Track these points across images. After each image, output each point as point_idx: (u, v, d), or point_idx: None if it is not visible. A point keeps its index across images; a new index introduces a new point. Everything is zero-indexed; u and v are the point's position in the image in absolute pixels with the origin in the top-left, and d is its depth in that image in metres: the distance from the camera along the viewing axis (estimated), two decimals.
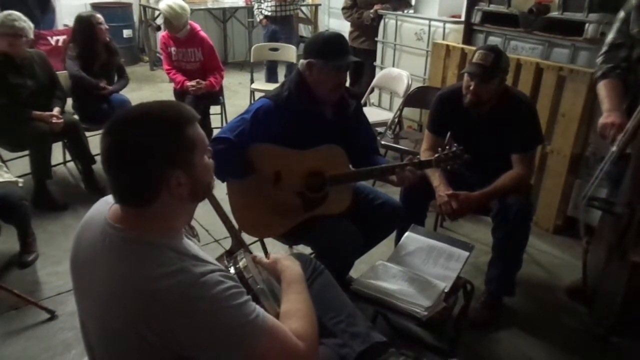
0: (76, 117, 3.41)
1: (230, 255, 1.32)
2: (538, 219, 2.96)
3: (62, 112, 3.18)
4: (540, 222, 2.98)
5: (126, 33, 6.60)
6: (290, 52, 4.58)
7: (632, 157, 1.78)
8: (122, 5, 6.65)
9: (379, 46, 4.36)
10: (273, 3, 5.05)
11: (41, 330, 2.12)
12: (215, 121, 4.14)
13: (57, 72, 3.32)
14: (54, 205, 3.08)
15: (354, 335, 1.43)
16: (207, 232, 2.80)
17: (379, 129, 3.57)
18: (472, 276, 2.33)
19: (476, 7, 3.33)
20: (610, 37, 2.04)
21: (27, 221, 2.57)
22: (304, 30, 7.48)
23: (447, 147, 1.99)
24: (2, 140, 3.11)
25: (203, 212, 1.45)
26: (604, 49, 2.05)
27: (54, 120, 3.01)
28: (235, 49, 7.36)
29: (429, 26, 3.83)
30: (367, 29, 4.37)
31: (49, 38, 5.47)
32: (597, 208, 1.97)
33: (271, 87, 3.87)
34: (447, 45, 3.45)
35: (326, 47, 1.88)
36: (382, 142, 3.24)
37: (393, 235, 2.24)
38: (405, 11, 4.32)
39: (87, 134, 3.32)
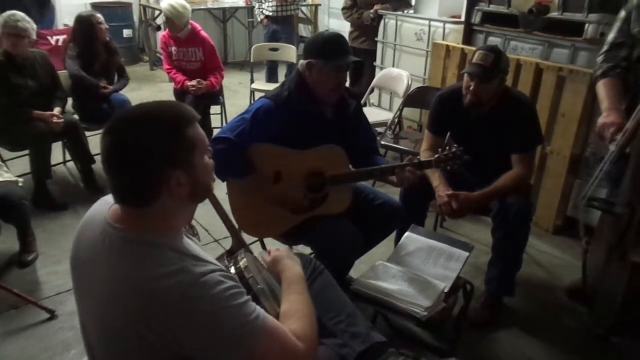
0: (76, 116, 3.41)
1: (230, 255, 1.32)
2: (538, 219, 2.97)
3: (63, 112, 3.18)
4: (540, 222, 2.98)
5: (126, 33, 6.60)
6: (290, 52, 4.58)
7: (632, 157, 1.78)
8: (122, 4, 6.65)
9: (379, 46, 4.36)
10: (274, 3, 5.05)
11: (41, 330, 2.12)
12: (215, 121, 4.14)
13: (58, 72, 3.32)
14: (53, 204, 3.09)
15: (354, 335, 1.43)
16: (207, 231, 2.80)
17: (379, 129, 3.57)
18: (472, 276, 2.33)
19: (476, 8, 3.33)
20: (611, 36, 2.04)
21: (27, 221, 2.57)
22: (304, 31, 7.48)
23: (447, 148, 1.99)
24: (2, 139, 3.11)
25: (203, 212, 1.45)
26: (605, 48, 2.05)
27: (55, 120, 3.01)
28: (235, 48, 7.36)
29: (429, 26, 3.83)
30: (367, 29, 4.37)
31: (48, 38, 5.46)
32: (597, 208, 1.97)
33: (271, 87, 3.86)
34: (447, 46, 3.45)
35: (326, 47, 1.88)
36: (382, 142, 3.24)
37: (393, 235, 2.24)
38: (405, 11, 4.32)
39: (87, 133, 3.32)
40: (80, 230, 1.09)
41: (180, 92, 3.81)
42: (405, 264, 1.87)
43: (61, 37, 5.44)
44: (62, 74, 3.39)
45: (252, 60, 4.64)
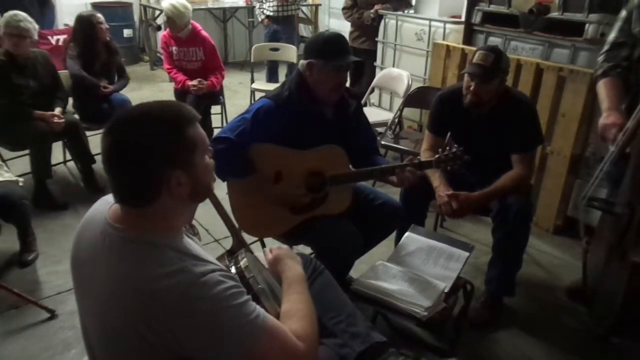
0: (76, 116, 3.42)
1: (231, 254, 1.32)
2: (538, 219, 2.96)
3: (64, 112, 3.18)
4: (540, 222, 2.98)
5: (126, 33, 6.60)
6: (290, 52, 4.58)
7: (632, 157, 1.78)
8: (122, 4, 6.65)
9: (379, 46, 4.36)
10: (275, 3, 5.05)
11: (41, 330, 2.12)
12: (215, 121, 4.14)
13: (58, 72, 3.32)
14: (54, 204, 3.09)
15: (354, 335, 1.43)
16: (207, 231, 2.80)
17: (379, 129, 3.57)
18: (472, 276, 2.33)
19: (476, 8, 3.33)
20: (612, 36, 2.04)
21: (27, 220, 2.57)
22: (304, 31, 7.49)
23: (447, 148, 1.99)
24: (3, 139, 3.11)
25: (204, 212, 1.45)
26: (606, 47, 2.05)
27: (55, 120, 3.01)
28: (236, 48, 7.36)
29: (429, 26, 3.83)
30: (367, 29, 4.37)
31: (49, 37, 5.46)
32: (597, 208, 1.97)
33: (272, 87, 3.87)
34: (448, 46, 3.45)
35: (326, 47, 1.88)
36: (382, 142, 3.24)
37: (393, 235, 2.24)
38: (406, 11, 4.32)
39: (88, 133, 3.32)
40: (81, 230, 1.09)
41: (181, 92, 3.81)
42: (406, 264, 1.87)
43: (62, 37, 5.44)
44: (63, 73, 3.39)
45: (252, 60, 4.64)
